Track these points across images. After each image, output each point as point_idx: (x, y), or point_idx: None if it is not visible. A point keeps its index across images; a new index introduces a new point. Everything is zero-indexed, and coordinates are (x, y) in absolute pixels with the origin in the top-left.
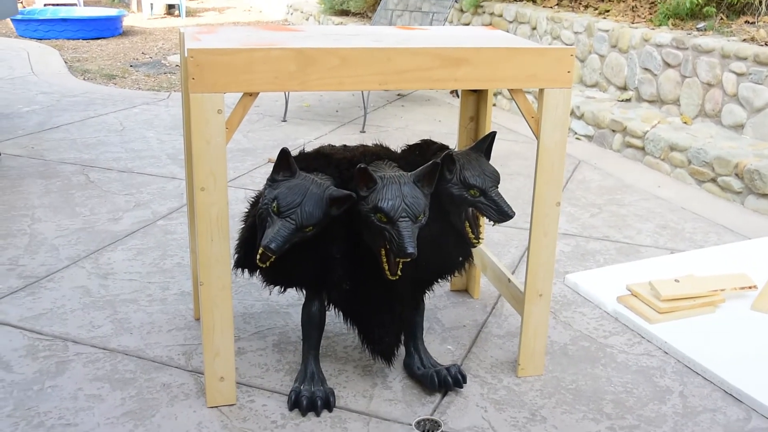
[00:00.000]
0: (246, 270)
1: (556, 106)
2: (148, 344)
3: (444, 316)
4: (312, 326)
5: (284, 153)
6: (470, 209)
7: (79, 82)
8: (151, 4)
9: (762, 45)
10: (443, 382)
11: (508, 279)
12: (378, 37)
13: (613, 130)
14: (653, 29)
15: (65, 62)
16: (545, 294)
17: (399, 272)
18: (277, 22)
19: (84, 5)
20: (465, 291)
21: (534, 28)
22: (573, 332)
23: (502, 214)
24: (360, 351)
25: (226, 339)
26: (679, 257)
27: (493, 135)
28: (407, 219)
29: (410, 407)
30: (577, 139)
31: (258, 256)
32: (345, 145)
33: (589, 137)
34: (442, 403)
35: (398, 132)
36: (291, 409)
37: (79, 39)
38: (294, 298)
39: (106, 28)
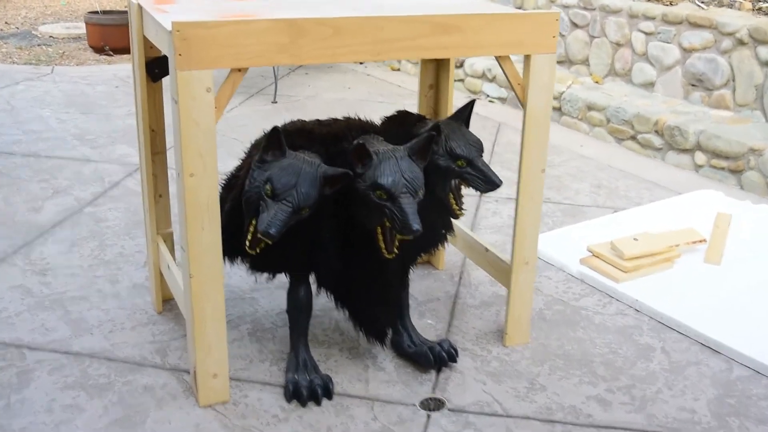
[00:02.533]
0: (226, 258)
1: (542, 71)
2: (115, 344)
3: (415, 290)
4: (300, 312)
5: (276, 132)
6: (454, 180)
7: None
8: None
9: (668, 5)
10: (438, 358)
11: (485, 248)
12: (353, 3)
13: None
14: None
15: None
16: (531, 261)
17: (395, 249)
18: None
19: None
20: (428, 263)
21: None
22: (544, 297)
23: (489, 183)
24: (341, 333)
25: (219, 333)
26: (623, 215)
27: (472, 103)
28: (408, 194)
29: (408, 387)
30: (490, 101)
31: (248, 243)
32: (318, 120)
33: (503, 99)
34: (440, 380)
35: (310, 101)
36: (290, 400)
37: None
38: (256, 282)
39: None
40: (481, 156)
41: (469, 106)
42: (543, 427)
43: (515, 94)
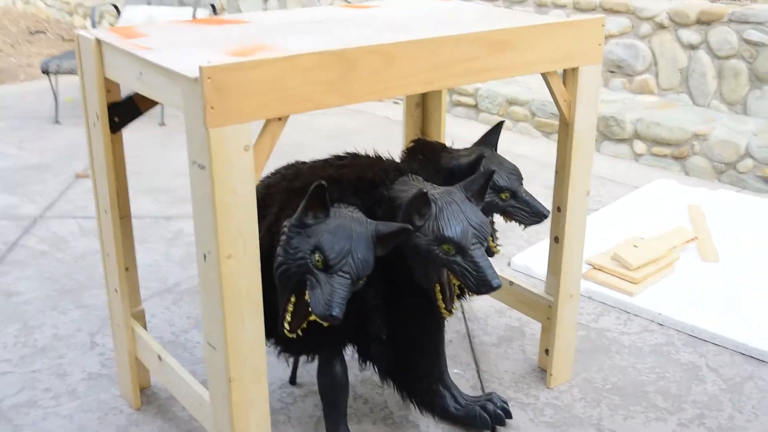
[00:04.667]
0: None
1: (590, 84)
2: None
3: None
4: (338, 392)
5: (321, 189)
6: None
7: None
8: None
9: None
10: (495, 417)
11: (510, 282)
12: (361, 21)
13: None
14: None
15: None
16: (575, 294)
17: (454, 307)
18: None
19: None
20: None
21: None
22: None
23: (536, 215)
24: (365, 402)
25: None
26: (596, 218)
27: (500, 125)
28: (478, 245)
29: None
30: (395, 103)
31: (287, 325)
32: (326, 161)
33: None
34: None
35: None
36: None
37: None
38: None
39: None
40: (522, 185)
41: (497, 129)
42: None
43: (560, 111)
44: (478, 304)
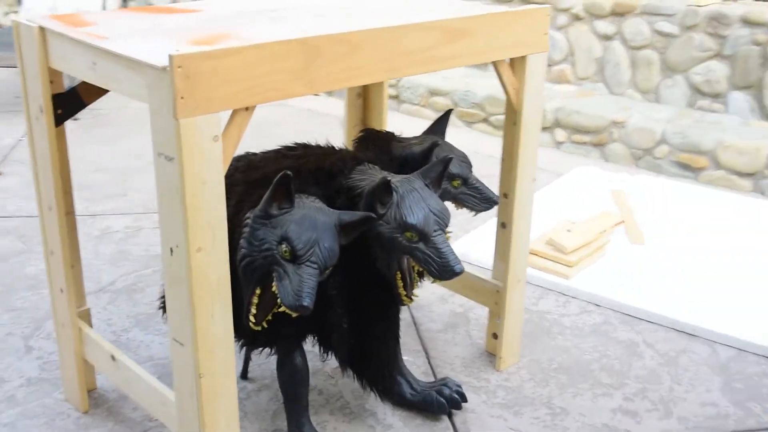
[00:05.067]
0: None
1: (537, 72)
2: None
3: None
4: (299, 384)
5: (286, 179)
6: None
7: None
8: None
9: None
10: (451, 401)
11: None
12: (315, 10)
13: None
14: None
15: None
16: (522, 279)
17: (414, 294)
18: None
19: None
20: None
21: None
22: None
23: (487, 201)
24: (319, 392)
25: None
26: None
27: (448, 114)
28: (440, 231)
29: None
30: (315, 95)
31: (252, 318)
32: (278, 151)
33: (330, 92)
34: (457, 425)
35: (119, 114)
36: None
37: None
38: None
39: None
40: (472, 172)
41: (446, 117)
42: None
43: (509, 99)
44: (421, 293)
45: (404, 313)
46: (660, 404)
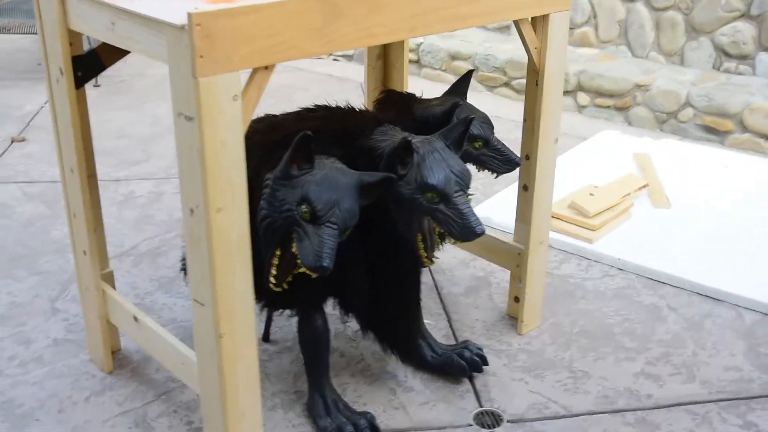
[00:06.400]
0: None
1: (560, 31)
2: (77, 427)
3: None
4: (320, 345)
5: (306, 139)
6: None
7: None
8: None
9: None
10: (472, 364)
11: None
12: None
13: None
14: None
15: None
16: (544, 241)
17: (435, 256)
18: None
19: None
20: None
21: None
22: None
23: (509, 162)
24: (341, 355)
25: (254, 397)
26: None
27: (469, 74)
28: (461, 192)
29: (452, 404)
30: (335, 60)
31: (272, 279)
32: (298, 113)
33: (349, 57)
34: (478, 388)
35: (138, 81)
36: None
37: None
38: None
39: None
40: (494, 133)
41: (467, 78)
42: (614, 419)
43: (531, 58)
44: (443, 256)
45: (426, 277)
46: (683, 368)
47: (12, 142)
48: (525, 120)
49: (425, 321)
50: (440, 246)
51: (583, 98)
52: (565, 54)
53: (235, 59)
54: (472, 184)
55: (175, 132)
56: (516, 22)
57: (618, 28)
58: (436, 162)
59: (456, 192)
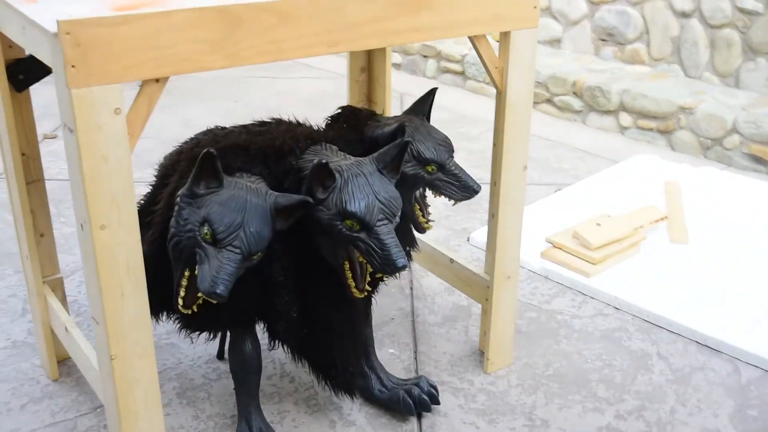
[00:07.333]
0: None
1: (524, 50)
2: None
3: None
4: (249, 371)
5: (209, 156)
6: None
7: None
8: None
9: None
10: (421, 403)
11: (450, 259)
12: None
13: (425, 56)
14: None
15: None
16: (513, 275)
17: (367, 287)
18: None
19: None
20: None
21: None
22: None
23: (466, 189)
24: (291, 380)
25: (155, 424)
26: (568, 193)
27: (433, 92)
28: (385, 221)
29: None
30: None
31: (180, 301)
32: (245, 126)
33: (397, 66)
34: (424, 428)
35: (181, 81)
36: None
37: None
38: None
39: None
40: (452, 157)
41: (430, 96)
42: None
43: (491, 79)
44: (428, 281)
45: (404, 303)
46: (655, 426)
47: (43, 138)
48: (494, 144)
49: (389, 350)
50: (369, 276)
51: (625, 119)
52: (533, 74)
53: (114, 71)
54: (480, 206)
55: (63, 143)
56: (471, 39)
57: (671, 45)
58: (360, 187)
59: (379, 221)
